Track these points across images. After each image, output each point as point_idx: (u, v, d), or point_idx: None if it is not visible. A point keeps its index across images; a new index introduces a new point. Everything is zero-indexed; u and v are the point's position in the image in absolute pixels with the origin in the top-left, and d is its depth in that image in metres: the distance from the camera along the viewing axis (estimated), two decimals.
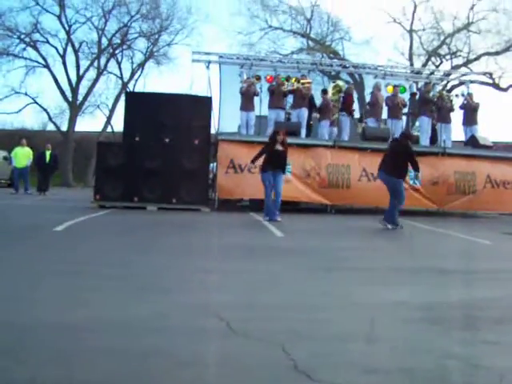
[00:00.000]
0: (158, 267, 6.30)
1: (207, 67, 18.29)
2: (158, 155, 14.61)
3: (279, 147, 12.17)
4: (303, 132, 16.70)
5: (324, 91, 17.79)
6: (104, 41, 38.77)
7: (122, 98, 31.68)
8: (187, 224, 11.79)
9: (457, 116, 18.32)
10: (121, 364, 3.12)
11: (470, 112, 17.78)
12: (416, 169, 11.60)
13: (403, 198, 11.35)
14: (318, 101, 17.62)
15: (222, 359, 3.25)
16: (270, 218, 11.92)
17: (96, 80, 39.12)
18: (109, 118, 39.96)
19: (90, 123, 64.87)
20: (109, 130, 40.13)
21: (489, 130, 51.11)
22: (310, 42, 36.12)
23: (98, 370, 3.02)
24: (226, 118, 18.78)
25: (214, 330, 3.82)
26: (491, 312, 4.57)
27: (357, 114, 19.08)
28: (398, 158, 11.29)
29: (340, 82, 19.42)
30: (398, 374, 3.10)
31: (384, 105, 17.57)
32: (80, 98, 38.98)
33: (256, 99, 16.91)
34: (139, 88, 39.74)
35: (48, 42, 38.20)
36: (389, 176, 11.24)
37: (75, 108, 38.45)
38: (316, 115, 17.57)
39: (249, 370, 3.09)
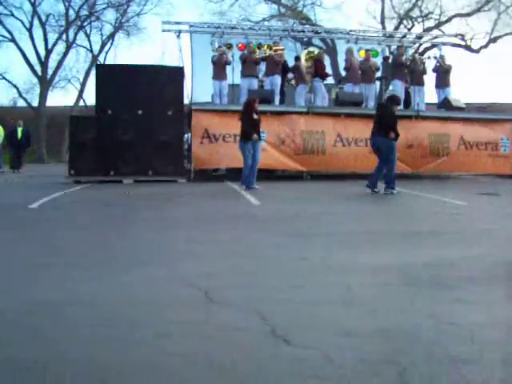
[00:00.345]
0: (135, 240, 6.31)
1: (178, 37, 18.10)
2: (131, 128, 14.49)
3: (255, 115, 12.17)
4: (277, 99, 16.65)
5: (297, 58, 17.72)
6: (71, 13, 38.11)
7: (93, 71, 31.26)
8: (164, 196, 11.75)
9: (430, 78, 18.39)
10: (104, 336, 3.14)
11: (443, 74, 17.84)
12: (395, 133, 11.60)
13: (395, 161, 11.48)
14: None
15: (200, 328, 3.29)
16: (247, 186, 11.97)
17: (65, 53, 38.56)
18: (80, 92, 39.50)
19: (61, 98, 64.12)
20: (81, 104, 39.65)
21: (461, 92, 51.49)
22: (281, 9, 35.80)
23: (80, 343, 3.03)
24: (198, 88, 18.65)
25: (192, 299, 3.85)
26: (463, 271, 4.65)
27: (331, 80, 19.05)
28: (389, 121, 11.36)
29: (311, 49, 19.32)
30: (374, 335, 3.15)
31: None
32: (50, 72, 38.37)
33: (228, 68, 16.80)
34: (110, 60, 39.27)
35: (13, 14, 37.50)
36: (384, 138, 11.28)
37: (45, 83, 37.88)
38: (291, 82, 17.52)
39: (227, 338, 3.13)
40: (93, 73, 32.79)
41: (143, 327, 3.28)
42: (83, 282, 4.34)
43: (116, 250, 5.75)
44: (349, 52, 17.80)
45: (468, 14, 34.82)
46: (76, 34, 38.94)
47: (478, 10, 34.53)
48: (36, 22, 37.71)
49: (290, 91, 17.88)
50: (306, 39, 23.96)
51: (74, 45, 39.22)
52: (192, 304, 3.75)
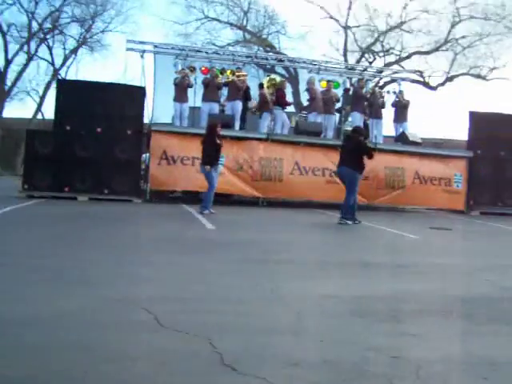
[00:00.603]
0: (87, 260, 6.21)
1: (142, 56, 18.02)
2: (89, 145, 14.38)
3: (218, 140, 12.21)
4: (237, 124, 16.72)
5: (261, 85, 17.83)
6: (34, 24, 37.68)
7: (54, 85, 30.92)
8: (118, 215, 11.65)
9: (388, 112, 18.73)
10: (46, 360, 3.08)
11: (401, 109, 18.19)
12: (370, 157, 11.80)
13: (356, 193, 11.69)
14: (255, 93, 17.65)
15: (150, 353, 3.25)
16: (206, 209, 11.96)
17: (26, 65, 38.04)
18: (39, 105, 38.97)
19: (19, 110, 62.98)
20: (39, 117, 39.11)
21: (418, 127, 52.57)
22: (246, 35, 36.13)
23: (22, 366, 2.97)
24: (159, 109, 18.55)
25: (142, 323, 3.81)
26: (413, 305, 4.72)
27: (291, 108, 19.21)
28: (353, 153, 11.55)
29: (273, 76, 19.45)
30: (322, 366, 3.17)
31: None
32: (9, 83, 37.84)
33: (190, 90, 16.82)
34: (71, 75, 38.88)
35: None
36: (350, 169, 11.46)
37: (3, 93, 37.29)
38: (252, 109, 17.61)
39: (176, 364, 3.11)
40: (53, 86, 32.42)
41: (91, 351, 3.22)
42: (30, 301, 4.25)
43: (64, 269, 5.64)
44: (311, 82, 18.01)
45: (427, 52, 35.74)
46: (38, 47, 38.50)
47: (437, 49, 35.49)
48: None
49: (251, 117, 17.95)
50: (269, 66, 24.18)
51: (35, 57, 38.75)
52: (142, 328, 3.71)
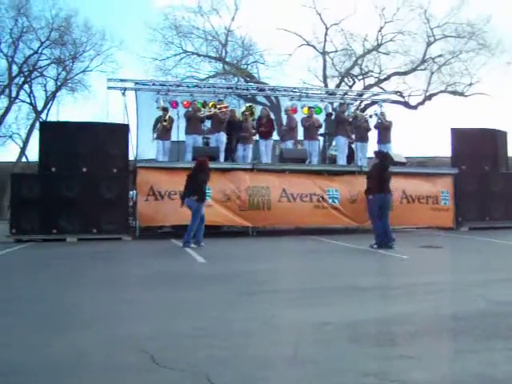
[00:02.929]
0: (78, 301, 6.17)
1: (123, 94, 18.17)
2: (75, 185, 14.35)
3: (207, 176, 12.31)
4: (222, 156, 16.81)
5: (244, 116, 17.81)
6: (15, 68, 37.77)
7: (36, 127, 30.93)
8: (108, 254, 11.59)
9: (371, 135, 18.88)
10: None
11: (384, 130, 18.30)
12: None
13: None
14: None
15: None
16: (195, 242, 11.95)
17: (8, 109, 38.03)
18: (23, 149, 38.88)
19: (2, 154, 62.84)
20: (24, 160, 39.01)
21: (402, 147, 52.98)
22: (225, 66, 36.43)
23: None
24: (143, 145, 18.64)
25: (137, 363, 3.78)
26: (407, 327, 4.72)
27: (275, 136, 19.33)
28: (385, 176, 11.88)
29: (248, 105, 19.35)
30: None
31: (301, 126, 17.89)
32: None
33: (173, 124, 16.93)
34: (53, 116, 38.86)
35: None
36: (387, 194, 11.76)
37: None
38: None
39: None
40: (36, 129, 32.38)
41: None
42: (19, 347, 4.22)
43: (55, 310, 5.60)
44: (287, 110, 18.25)
45: (405, 73, 36.18)
46: (19, 90, 38.54)
47: (415, 69, 35.95)
48: None
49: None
50: (249, 96, 24.37)
51: (17, 100, 38.76)
52: (136, 368, 3.69)
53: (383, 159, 12.37)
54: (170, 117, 16.88)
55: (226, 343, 4.28)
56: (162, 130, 16.57)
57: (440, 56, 35.25)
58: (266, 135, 17.60)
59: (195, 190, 12.06)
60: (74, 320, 5.18)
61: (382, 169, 12.04)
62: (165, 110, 17.00)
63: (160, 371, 3.60)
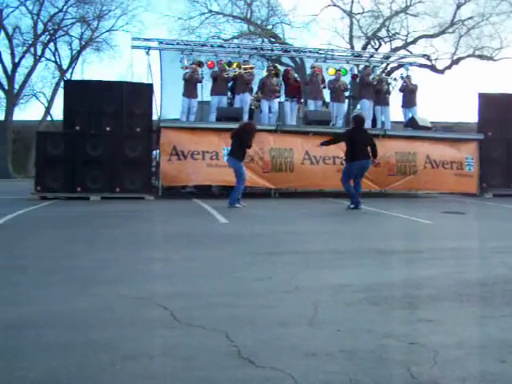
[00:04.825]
0: (102, 259, 6.25)
1: (147, 53, 18.07)
2: (99, 144, 14.42)
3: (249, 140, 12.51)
4: (245, 117, 16.71)
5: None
6: (40, 26, 37.68)
7: (61, 86, 30.95)
8: (131, 213, 11.68)
9: (396, 98, 18.65)
10: (64, 359, 3.11)
11: (409, 94, 18.07)
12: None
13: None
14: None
15: (167, 349, 3.27)
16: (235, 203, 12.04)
17: (33, 68, 38.06)
18: (48, 107, 39.04)
19: (29, 112, 63.10)
20: (48, 119, 39.21)
21: (428, 112, 52.31)
22: (250, 27, 35.99)
23: (41, 366, 3.00)
24: (167, 105, 18.62)
25: (158, 320, 3.83)
26: (428, 290, 4.72)
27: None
28: (366, 144, 12.22)
29: (272, 64, 19.10)
30: (339, 355, 3.17)
31: (327, 88, 17.70)
32: (17, 86, 37.90)
33: (198, 85, 16.81)
34: (77, 75, 38.88)
35: None
36: (361, 161, 12.07)
37: (12, 97, 37.41)
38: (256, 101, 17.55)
39: (193, 359, 3.12)
40: (61, 88, 32.43)
41: (109, 349, 3.25)
42: (47, 302, 4.29)
43: (80, 268, 5.68)
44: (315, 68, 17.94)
45: (433, 36, 35.45)
46: (44, 48, 38.52)
47: (443, 32, 35.18)
48: (2, 34, 37.13)
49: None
50: (274, 57, 24.12)
51: (43, 59, 38.79)
52: (158, 324, 3.74)
53: (358, 123, 12.28)
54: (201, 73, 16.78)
55: (246, 303, 4.31)
56: (191, 79, 16.31)
57: (470, 18, 34.41)
58: (293, 94, 17.43)
59: (239, 151, 12.15)
60: (96, 277, 5.25)
61: (352, 134, 12.18)
62: (200, 64, 16.89)
63: (180, 328, 3.64)
